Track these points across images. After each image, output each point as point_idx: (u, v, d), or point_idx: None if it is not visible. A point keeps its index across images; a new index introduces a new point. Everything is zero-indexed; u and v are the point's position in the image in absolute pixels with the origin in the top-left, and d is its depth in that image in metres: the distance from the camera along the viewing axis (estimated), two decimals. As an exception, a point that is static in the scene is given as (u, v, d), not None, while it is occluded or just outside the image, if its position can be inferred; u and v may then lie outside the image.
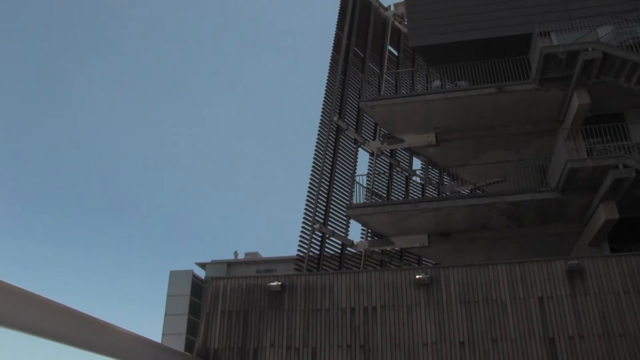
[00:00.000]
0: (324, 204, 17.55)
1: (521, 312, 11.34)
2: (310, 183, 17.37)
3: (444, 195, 19.97)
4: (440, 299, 11.75)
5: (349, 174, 18.73)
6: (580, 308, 11.18)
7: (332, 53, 19.90)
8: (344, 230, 17.82)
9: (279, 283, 12.37)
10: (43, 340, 6.88)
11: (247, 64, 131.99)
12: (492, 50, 18.23)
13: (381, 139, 19.58)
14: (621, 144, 15.79)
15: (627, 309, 11.01)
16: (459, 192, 20.14)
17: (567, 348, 10.85)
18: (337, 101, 19.22)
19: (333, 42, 20.15)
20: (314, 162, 17.71)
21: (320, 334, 11.85)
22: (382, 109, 17.67)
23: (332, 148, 18.50)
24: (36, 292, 6.61)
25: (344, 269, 17.43)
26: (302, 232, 16.63)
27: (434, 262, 19.11)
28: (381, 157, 19.79)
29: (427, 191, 20.83)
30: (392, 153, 20.27)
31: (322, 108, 18.69)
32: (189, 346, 40.89)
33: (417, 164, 20.85)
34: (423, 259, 19.32)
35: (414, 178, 20.80)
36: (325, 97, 18.94)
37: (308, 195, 17.12)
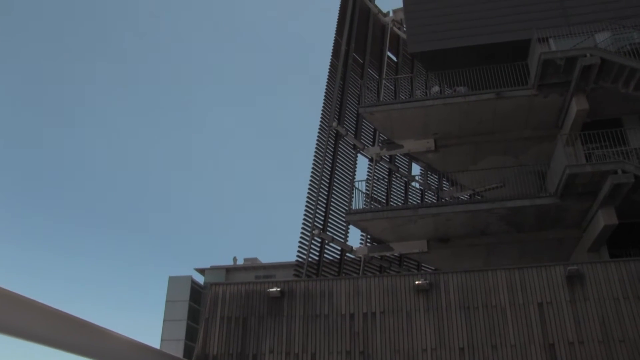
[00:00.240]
0: (323, 210, 17.53)
1: (521, 318, 11.31)
2: (309, 189, 17.37)
3: (443, 200, 19.97)
4: (440, 304, 11.73)
5: (348, 180, 18.72)
6: (579, 314, 11.16)
7: (331, 59, 19.95)
8: (343, 236, 17.79)
9: (278, 289, 12.34)
10: (39, 346, 6.83)
11: (248, 69, 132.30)
12: (491, 56, 18.29)
13: (380, 144, 19.59)
14: (620, 149, 15.84)
15: (626, 314, 11.00)
16: (458, 197, 20.14)
17: (566, 354, 10.81)
18: (337, 107, 19.24)
19: (332, 48, 20.21)
20: (313, 168, 17.71)
21: (320, 340, 11.81)
22: (381, 114, 17.69)
23: (332, 154, 18.49)
24: (34, 297, 6.58)
25: (343, 274, 17.39)
26: (301, 237, 16.61)
27: (433, 268, 19.08)
28: (380, 162, 19.78)
29: (426, 197, 20.80)
30: (391, 159, 20.27)
31: (322, 114, 18.71)
32: (187, 352, 40.73)
33: (416, 169, 20.87)
34: (422, 264, 19.29)
35: (413, 184, 20.78)
36: (324, 103, 18.97)
37: (307, 201, 17.11)
